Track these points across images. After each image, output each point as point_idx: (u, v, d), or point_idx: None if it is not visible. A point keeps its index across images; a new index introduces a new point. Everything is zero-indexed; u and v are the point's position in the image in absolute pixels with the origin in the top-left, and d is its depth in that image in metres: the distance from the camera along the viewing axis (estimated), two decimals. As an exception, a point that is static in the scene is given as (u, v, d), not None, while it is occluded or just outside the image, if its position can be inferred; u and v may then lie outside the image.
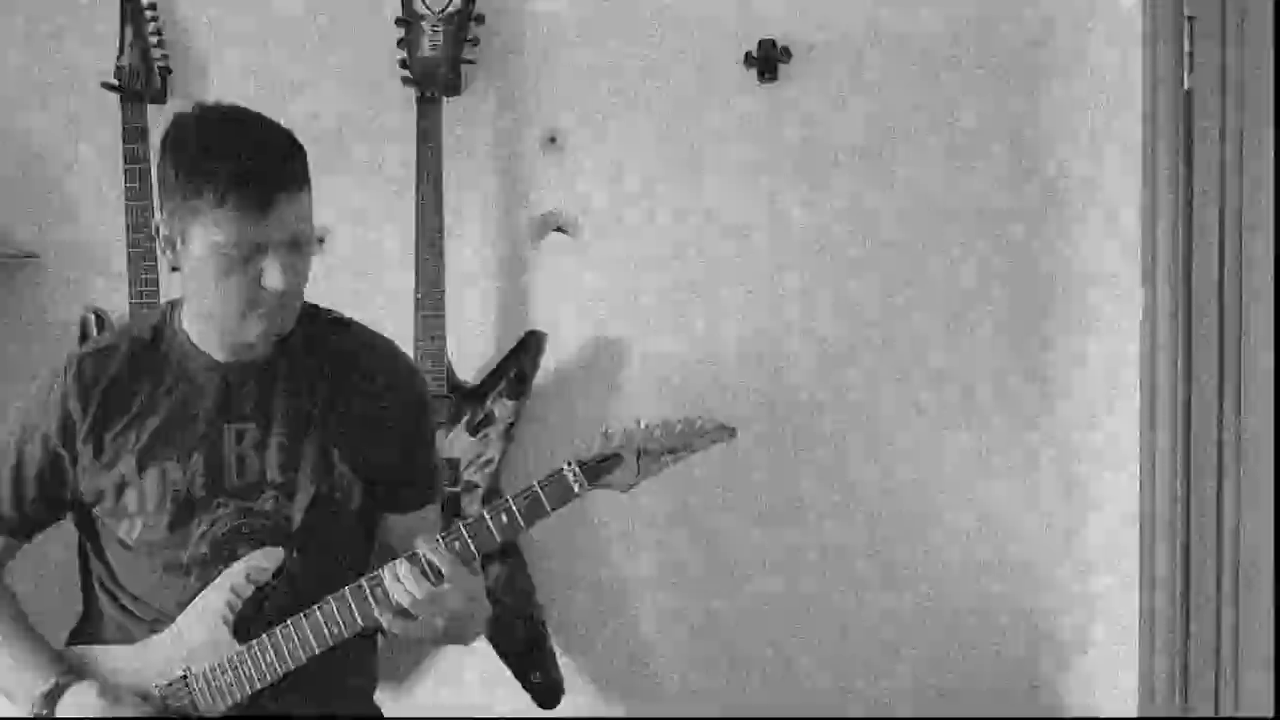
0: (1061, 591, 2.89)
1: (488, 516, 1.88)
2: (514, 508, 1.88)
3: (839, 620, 2.98)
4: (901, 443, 2.94)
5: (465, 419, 2.86)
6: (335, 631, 1.90)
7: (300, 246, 1.87)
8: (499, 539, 1.89)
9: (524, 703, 2.89)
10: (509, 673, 2.89)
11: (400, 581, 1.87)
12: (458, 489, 2.84)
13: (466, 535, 1.88)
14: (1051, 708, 2.91)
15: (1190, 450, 2.31)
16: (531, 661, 2.89)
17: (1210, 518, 2.30)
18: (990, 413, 2.92)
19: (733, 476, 2.94)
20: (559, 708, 2.91)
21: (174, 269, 1.92)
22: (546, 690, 2.90)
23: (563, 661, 2.93)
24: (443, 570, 1.86)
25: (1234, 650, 2.27)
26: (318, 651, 1.91)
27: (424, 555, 1.87)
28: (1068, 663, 2.89)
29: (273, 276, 1.85)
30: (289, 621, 1.91)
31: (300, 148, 1.87)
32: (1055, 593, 2.90)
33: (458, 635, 1.96)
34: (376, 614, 1.88)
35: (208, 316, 1.94)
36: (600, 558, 2.99)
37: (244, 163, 1.81)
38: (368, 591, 1.89)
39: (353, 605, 1.89)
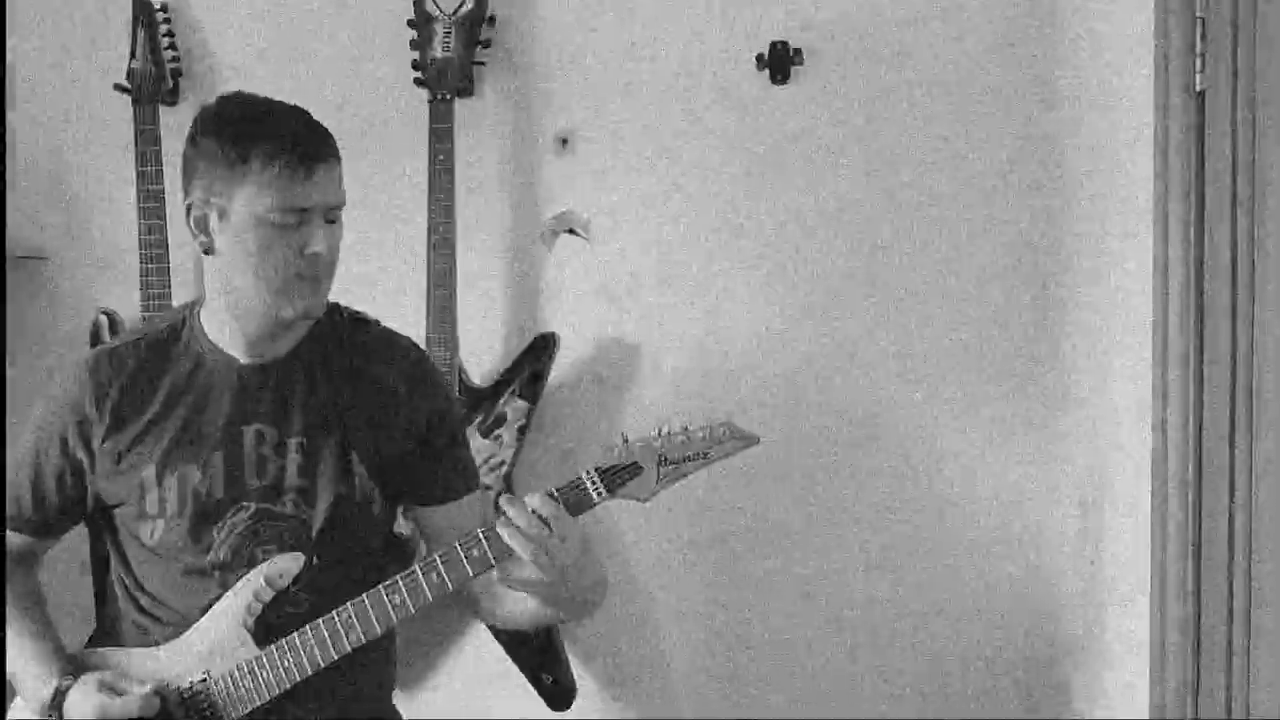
0: (1074, 597, 2.89)
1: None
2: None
3: (851, 623, 2.98)
4: (915, 445, 2.94)
5: (478, 420, 2.86)
6: (355, 638, 1.90)
7: (337, 218, 1.95)
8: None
9: (536, 704, 2.90)
10: (521, 674, 2.89)
11: (515, 522, 1.83)
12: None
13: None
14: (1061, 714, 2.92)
15: (1202, 456, 2.30)
16: (543, 663, 2.89)
17: (1223, 521, 2.29)
18: (1002, 417, 2.92)
19: (746, 476, 2.93)
20: (570, 710, 2.91)
21: (206, 252, 1.95)
22: (558, 692, 2.90)
23: (574, 664, 2.94)
24: (545, 515, 1.83)
25: (1245, 656, 2.27)
26: (336, 658, 1.91)
27: (530, 502, 1.84)
28: (1079, 669, 2.89)
29: (317, 240, 1.91)
30: (309, 627, 1.91)
31: (329, 132, 1.97)
32: (1067, 598, 2.90)
33: (578, 599, 1.93)
34: (489, 565, 1.86)
35: (240, 300, 1.94)
36: (613, 558, 2.99)
37: (291, 129, 1.92)
38: (439, 563, 1.87)
39: (372, 611, 1.89)
